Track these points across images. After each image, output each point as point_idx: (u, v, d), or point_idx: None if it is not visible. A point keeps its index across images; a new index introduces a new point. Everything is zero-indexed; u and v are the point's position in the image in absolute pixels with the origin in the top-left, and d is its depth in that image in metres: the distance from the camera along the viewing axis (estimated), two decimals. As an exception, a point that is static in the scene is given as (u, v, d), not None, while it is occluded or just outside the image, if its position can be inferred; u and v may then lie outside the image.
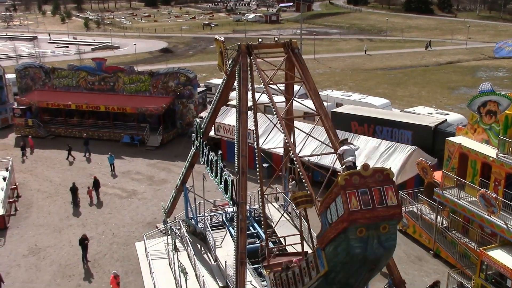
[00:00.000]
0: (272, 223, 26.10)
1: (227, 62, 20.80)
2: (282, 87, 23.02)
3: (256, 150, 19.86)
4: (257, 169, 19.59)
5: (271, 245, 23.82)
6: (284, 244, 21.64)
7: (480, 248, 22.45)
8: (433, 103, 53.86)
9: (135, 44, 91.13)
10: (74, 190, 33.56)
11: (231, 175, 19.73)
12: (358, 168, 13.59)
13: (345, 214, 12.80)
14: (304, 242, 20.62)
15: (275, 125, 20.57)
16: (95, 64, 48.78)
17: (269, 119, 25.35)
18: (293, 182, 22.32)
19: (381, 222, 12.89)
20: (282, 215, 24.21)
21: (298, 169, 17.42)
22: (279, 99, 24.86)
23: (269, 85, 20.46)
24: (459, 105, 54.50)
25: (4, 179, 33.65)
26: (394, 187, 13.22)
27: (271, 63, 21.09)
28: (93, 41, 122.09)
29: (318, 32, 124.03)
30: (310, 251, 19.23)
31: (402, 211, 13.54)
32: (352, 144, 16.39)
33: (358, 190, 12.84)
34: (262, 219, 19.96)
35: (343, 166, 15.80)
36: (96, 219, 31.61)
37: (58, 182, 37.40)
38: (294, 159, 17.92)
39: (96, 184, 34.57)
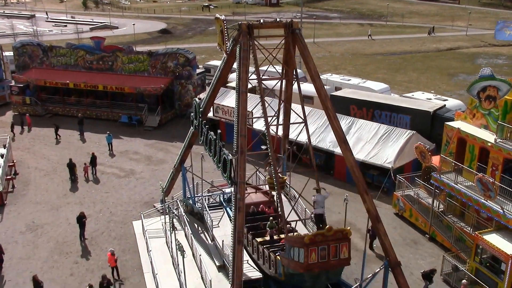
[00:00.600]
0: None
1: (228, 41, 20.66)
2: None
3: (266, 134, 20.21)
4: (268, 149, 20.33)
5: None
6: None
7: (476, 232, 22.61)
8: (432, 89, 53.75)
9: (133, 24, 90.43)
10: (71, 166, 33.89)
11: (230, 154, 19.73)
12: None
13: (304, 264, 16.65)
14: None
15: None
16: (94, 43, 48.45)
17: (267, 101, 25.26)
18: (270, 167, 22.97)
19: (331, 269, 17.18)
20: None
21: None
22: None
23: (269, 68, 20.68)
24: (458, 91, 54.51)
25: (2, 156, 33.60)
26: (349, 243, 17.06)
27: (266, 49, 20.97)
28: (91, 20, 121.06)
29: (318, 16, 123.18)
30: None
31: (350, 260, 17.30)
32: (325, 191, 20.76)
33: (319, 247, 16.52)
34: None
35: (312, 214, 20.29)
36: (94, 197, 31.67)
37: (55, 160, 37.37)
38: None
39: (93, 161, 34.81)
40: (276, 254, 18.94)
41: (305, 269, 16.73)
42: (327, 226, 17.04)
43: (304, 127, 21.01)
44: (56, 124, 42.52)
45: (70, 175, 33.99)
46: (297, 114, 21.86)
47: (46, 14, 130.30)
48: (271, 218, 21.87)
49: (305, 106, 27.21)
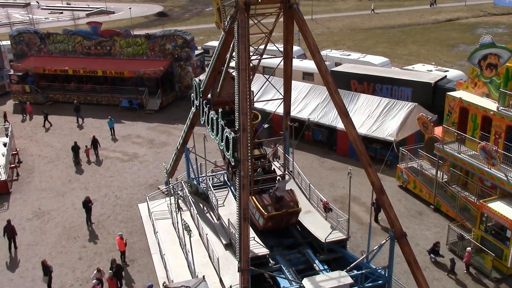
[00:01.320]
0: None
1: (225, 19, 20.48)
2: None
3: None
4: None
5: None
6: None
7: (480, 201, 22.68)
8: (432, 60, 53.48)
9: (130, 8, 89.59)
10: (75, 149, 34.52)
11: (232, 132, 19.71)
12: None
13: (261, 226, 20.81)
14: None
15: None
16: (91, 28, 48.10)
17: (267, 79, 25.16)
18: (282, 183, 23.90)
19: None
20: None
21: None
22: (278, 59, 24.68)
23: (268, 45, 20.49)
24: (459, 62, 54.15)
25: (5, 144, 33.68)
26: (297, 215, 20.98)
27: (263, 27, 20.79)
28: (87, 6, 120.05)
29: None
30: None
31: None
32: (287, 176, 22.76)
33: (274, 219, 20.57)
34: None
35: (273, 195, 21.13)
36: (99, 182, 31.80)
37: (59, 147, 37.44)
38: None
39: (95, 143, 35.26)
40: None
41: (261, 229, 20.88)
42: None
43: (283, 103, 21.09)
44: (44, 111, 42.39)
45: (74, 158, 34.58)
46: (276, 89, 21.85)
47: (37, 2, 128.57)
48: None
49: (306, 83, 27.20)
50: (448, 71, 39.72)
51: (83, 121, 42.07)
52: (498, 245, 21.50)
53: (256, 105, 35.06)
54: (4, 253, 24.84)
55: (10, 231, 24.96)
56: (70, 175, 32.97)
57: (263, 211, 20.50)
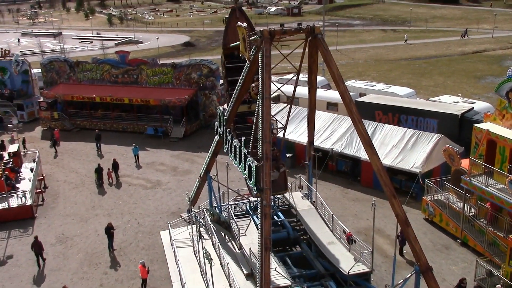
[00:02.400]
0: (296, 211, 26.01)
1: (250, 48, 20.67)
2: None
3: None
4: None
5: (295, 233, 23.88)
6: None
7: (510, 236, 22.01)
8: (459, 92, 52.95)
9: (157, 38, 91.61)
10: (99, 170, 35.54)
11: (255, 161, 19.66)
12: None
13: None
14: None
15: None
16: (119, 57, 49.17)
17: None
18: (274, 173, 22.96)
19: None
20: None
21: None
22: (303, 89, 24.72)
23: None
24: (486, 94, 53.52)
25: (32, 170, 34.22)
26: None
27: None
28: (116, 36, 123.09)
29: (341, 23, 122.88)
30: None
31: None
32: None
33: None
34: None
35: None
36: (122, 209, 31.95)
37: (83, 173, 37.88)
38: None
39: (115, 166, 36.41)
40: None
41: None
42: None
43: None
44: (52, 135, 43.39)
45: (97, 179, 35.54)
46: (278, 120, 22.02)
47: (98, 33, 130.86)
48: None
49: (330, 113, 27.12)
50: (475, 102, 39.25)
51: (101, 151, 42.13)
52: (529, 282, 20.76)
53: (280, 134, 35.18)
54: (31, 269, 25.07)
55: (38, 247, 25.93)
56: (93, 201, 33.23)
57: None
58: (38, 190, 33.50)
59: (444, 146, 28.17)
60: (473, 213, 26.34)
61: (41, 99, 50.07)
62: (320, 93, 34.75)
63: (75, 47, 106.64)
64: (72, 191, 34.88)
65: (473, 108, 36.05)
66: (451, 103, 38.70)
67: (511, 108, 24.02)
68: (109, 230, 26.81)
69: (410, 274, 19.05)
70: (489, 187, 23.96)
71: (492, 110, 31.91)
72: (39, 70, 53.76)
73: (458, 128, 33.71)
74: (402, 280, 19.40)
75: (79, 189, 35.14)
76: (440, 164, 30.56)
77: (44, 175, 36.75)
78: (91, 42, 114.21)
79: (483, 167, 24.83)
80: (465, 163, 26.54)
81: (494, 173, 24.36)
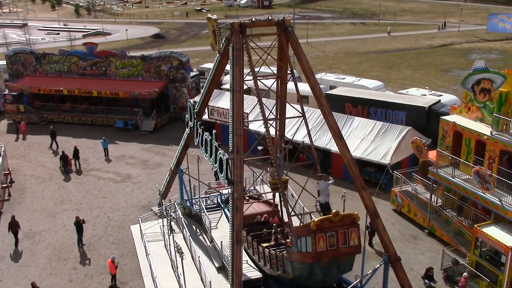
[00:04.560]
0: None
1: (220, 41, 20.58)
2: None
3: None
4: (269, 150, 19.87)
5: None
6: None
7: (475, 225, 22.57)
8: (426, 85, 53.82)
9: (126, 30, 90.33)
10: (64, 158, 36.35)
11: (225, 154, 19.64)
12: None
13: (312, 253, 15.95)
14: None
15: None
16: (87, 49, 48.31)
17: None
18: (271, 169, 22.43)
19: (341, 257, 16.42)
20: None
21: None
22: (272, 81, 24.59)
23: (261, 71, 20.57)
24: (453, 86, 54.58)
25: (-3, 164, 33.46)
26: (358, 229, 16.35)
27: (261, 48, 20.87)
28: (84, 27, 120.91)
29: (311, 16, 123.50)
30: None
31: (361, 247, 16.83)
32: (329, 178, 19.73)
33: (327, 234, 15.85)
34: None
35: (317, 202, 19.30)
36: (91, 203, 31.52)
37: (51, 167, 37.21)
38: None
39: (76, 154, 36.93)
40: (283, 252, 18.64)
41: (314, 258, 15.98)
42: (334, 211, 16.25)
43: (304, 122, 20.72)
44: (52, 128, 42.39)
45: (63, 166, 36.22)
46: (296, 109, 21.79)
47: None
48: (274, 225, 21.79)
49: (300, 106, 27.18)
50: (442, 95, 39.95)
51: (58, 148, 40.87)
52: (493, 270, 21.31)
53: (250, 126, 35.20)
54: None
55: (14, 226, 26.74)
56: (62, 195, 32.68)
57: (307, 224, 16.87)
58: (4, 185, 32.75)
59: (412, 138, 28.65)
60: (440, 203, 26.90)
61: (6, 91, 48.84)
62: (291, 85, 34.86)
63: (41, 39, 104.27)
64: (40, 186, 34.22)
65: (440, 100, 36.70)
66: (419, 96, 39.31)
67: (476, 101, 24.53)
68: (79, 223, 26.41)
69: (379, 265, 19.37)
70: (455, 178, 24.48)
71: (458, 103, 32.57)
72: (4, 62, 52.39)
73: (426, 120, 34.29)
74: (371, 271, 19.71)
75: (47, 184, 34.49)
76: (408, 155, 31.07)
77: (10, 169, 35.91)
78: (58, 34, 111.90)
79: (449, 159, 25.35)
80: (432, 154, 27.04)
81: (460, 164, 24.89)
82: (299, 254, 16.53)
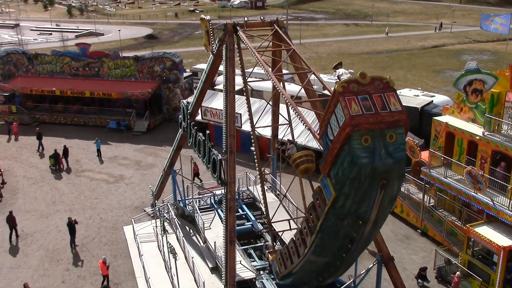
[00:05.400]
0: (260, 204, 26.12)
1: (213, 41, 20.60)
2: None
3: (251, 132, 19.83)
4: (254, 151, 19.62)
5: (260, 226, 23.95)
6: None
7: (467, 225, 22.70)
8: (419, 86, 54.08)
9: (119, 30, 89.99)
10: (56, 156, 36.46)
11: (219, 155, 19.65)
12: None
13: (346, 119, 11.86)
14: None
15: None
16: (79, 49, 48.13)
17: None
18: (292, 144, 21.03)
19: (386, 130, 12.00)
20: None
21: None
22: (267, 83, 24.65)
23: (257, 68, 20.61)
24: (445, 87, 54.82)
25: (-11, 165, 33.27)
26: (396, 94, 12.43)
27: (253, 50, 20.91)
28: (76, 28, 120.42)
29: (304, 17, 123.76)
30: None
31: (407, 117, 12.41)
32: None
33: (358, 96, 12.10)
34: (263, 208, 20.16)
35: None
36: (84, 204, 31.40)
37: (44, 168, 37.03)
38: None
39: (66, 152, 37.18)
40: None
41: (350, 125, 11.72)
42: (360, 72, 12.67)
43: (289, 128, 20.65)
44: (39, 129, 42.05)
45: (54, 164, 36.41)
46: (282, 116, 21.81)
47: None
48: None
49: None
50: (434, 96, 40.13)
51: (43, 150, 40.48)
52: (485, 270, 21.44)
53: (244, 127, 35.25)
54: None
55: (12, 222, 27.11)
56: (54, 196, 32.53)
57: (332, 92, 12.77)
58: (-4, 186, 32.63)
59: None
60: (433, 203, 27.03)
61: (-2, 92, 48.57)
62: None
63: (33, 39, 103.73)
64: (32, 187, 34.06)
65: (432, 101, 36.86)
66: (411, 97, 39.42)
67: (468, 102, 24.67)
68: (71, 224, 26.31)
69: (372, 264, 19.44)
70: (448, 178, 24.60)
71: (450, 103, 32.73)
72: (-4, 62, 52.05)
73: (418, 121, 34.43)
74: (364, 270, 19.78)
75: (39, 185, 34.33)
76: (401, 156, 31.12)
77: (2, 170, 35.68)
78: (50, 34, 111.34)
79: (442, 159, 25.47)
80: (424, 155, 27.16)
81: (452, 164, 25.02)
82: (334, 144, 12.50)
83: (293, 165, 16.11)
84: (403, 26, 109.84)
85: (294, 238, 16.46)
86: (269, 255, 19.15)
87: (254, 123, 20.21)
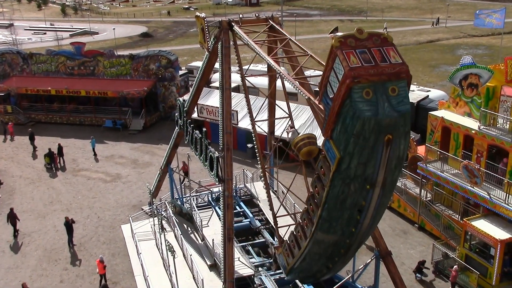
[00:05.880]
0: (258, 201, 26.18)
1: (209, 38, 20.58)
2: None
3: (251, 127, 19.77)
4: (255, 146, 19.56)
5: (257, 223, 24.00)
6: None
7: (464, 219, 22.79)
8: (414, 80, 54.04)
9: (114, 29, 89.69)
10: (50, 154, 36.56)
11: (216, 152, 19.65)
12: None
13: (345, 71, 11.41)
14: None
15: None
16: (74, 49, 48.00)
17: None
18: (293, 129, 20.58)
19: (388, 83, 11.56)
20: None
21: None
22: (263, 79, 24.70)
23: (253, 65, 20.61)
24: (441, 82, 54.93)
25: (-15, 166, 33.19)
26: (395, 48, 12.09)
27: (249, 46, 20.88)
28: (71, 27, 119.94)
29: (299, 13, 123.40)
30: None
31: (408, 70, 12.00)
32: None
33: (356, 49, 11.76)
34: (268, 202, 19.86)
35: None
36: (81, 203, 31.36)
37: (40, 168, 36.96)
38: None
39: (60, 151, 37.33)
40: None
41: (351, 76, 11.28)
42: (357, 27, 12.42)
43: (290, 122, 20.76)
44: (31, 130, 41.88)
45: (49, 163, 36.51)
46: (282, 109, 21.82)
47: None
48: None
49: (289, 103, 27.32)
50: (430, 91, 40.20)
51: (36, 149, 40.31)
52: (482, 263, 21.56)
53: (240, 124, 35.26)
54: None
55: (13, 218, 27.53)
56: (51, 196, 32.48)
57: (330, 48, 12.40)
58: (-8, 187, 32.56)
59: (401, 134, 28.78)
60: (430, 198, 27.12)
61: (-7, 92, 48.36)
62: (279, 83, 34.96)
63: (28, 39, 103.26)
64: (29, 187, 33.99)
65: (428, 96, 36.93)
66: (407, 92, 39.48)
67: (464, 96, 24.75)
68: (68, 224, 26.27)
69: (370, 260, 19.50)
70: (444, 173, 24.69)
71: (446, 98, 32.81)
72: (-10, 63, 51.83)
73: (414, 116, 34.49)
74: (362, 265, 19.85)
75: (36, 185, 34.26)
76: (397, 151, 31.18)
77: (-2, 171, 35.70)
78: (45, 33, 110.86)
79: (438, 153, 25.56)
80: (421, 149, 27.24)
81: (448, 159, 25.10)
82: (334, 101, 11.90)
83: (295, 150, 15.76)
84: (398, 22, 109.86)
85: (300, 220, 15.76)
86: (276, 250, 18.98)
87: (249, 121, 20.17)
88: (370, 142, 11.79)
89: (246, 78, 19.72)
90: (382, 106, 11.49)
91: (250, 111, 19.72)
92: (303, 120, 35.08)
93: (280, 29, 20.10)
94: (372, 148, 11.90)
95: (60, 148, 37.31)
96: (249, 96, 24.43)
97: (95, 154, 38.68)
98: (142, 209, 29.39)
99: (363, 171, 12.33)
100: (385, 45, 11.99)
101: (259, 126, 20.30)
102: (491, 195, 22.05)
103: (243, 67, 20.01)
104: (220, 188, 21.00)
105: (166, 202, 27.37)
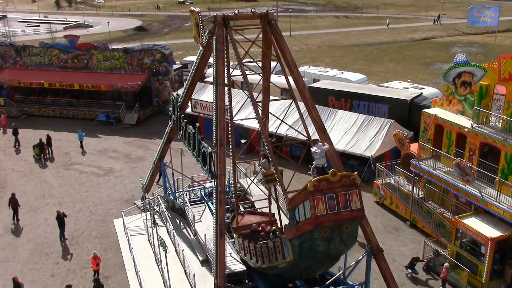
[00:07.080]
0: (251, 197, 26.13)
1: (203, 33, 20.48)
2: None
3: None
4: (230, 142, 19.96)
5: (241, 208, 23.88)
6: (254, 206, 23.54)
7: (455, 217, 22.90)
8: (408, 78, 54.26)
9: (108, 22, 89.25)
10: (41, 145, 36.94)
11: (209, 147, 19.60)
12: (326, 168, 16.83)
13: (312, 218, 14.17)
14: (272, 205, 22.37)
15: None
16: (68, 41, 47.74)
17: (246, 94, 25.11)
18: (264, 160, 21.73)
19: (344, 223, 14.46)
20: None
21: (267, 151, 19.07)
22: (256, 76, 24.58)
23: (245, 62, 20.46)
24: (434, 80, 55.05)
25: (-23, 158, 33.02)
26: (359, 191, 14.55)
27: (247, 39, 20.79)
28: (65, 20, 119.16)
29: (294, 9, 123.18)
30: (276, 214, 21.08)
31: (364, 212, 14.89)
32: (322, 144, 18.05)
33: (326, 195, 14.14)
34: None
35: (313, 166, 17.42)
36: (73, 197, 31.26)
37: (32, 161, 36.78)
38: (264, 142, 19.04)
39: (49, 141, 37.60)
40: (279, 237, 17.02)
41: (314, 224, 14.12)
42: (331, 170, 14.57)
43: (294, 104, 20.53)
44: (14, 124, 41.48)
45: (39, 154, 36.84)
46: (261, 108, 21.79)
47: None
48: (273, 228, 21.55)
49: (283, 99, 27.29)
50: (424, 88, 40.27)
51: (20, 146, 39.86)
52: (473, 261, 21.68)
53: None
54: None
55: (14, 203, 28.19)
56: (43, 190, 32.35)
57: (304, 187, 14.78)
58: (-16, 180, 32.39)
59: (394, 131, 28.90)
60: (422, 195, 27.22)
61: (-15, 84, 48.06)
62: (274, 78, 34.86)
63: (21, 31, 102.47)
64: (21, 180, 33.82)
65: (422, 93, 36.99)
66: (401, 89, 39.56)
67: (457, 94, 24.83)
68: (60, 218, 26.18)
69: (361, 256, 19.54)
70: (437, 170, 24.78)
71: (440, 96, 32.89)
72: (-17, 55, 51.46)
73: (408, 113, 34.56)
74: (354, 262, 19.88)
75: (28, 178, 34.11)
76: (390, 148, 31.32)
77: (-10, 163, 35.51)
78: (38, 26, 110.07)
79: (431, 151, 25.65)
80: (414, 147, 27.32)
81: (441, 156, 25.20)
82: (297, 227, 14.97)
83: (264, 179, 19.23)
84: (393, 18, 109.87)
85: (261, 247, 18.22)
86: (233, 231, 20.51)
87: (243, 116, 20.14)
88: (318, 260, 15.86)
89: (239, 76, 19.63)
90: (334, 241, 14.79)
91: (230, 108, 19.66)
92: (297, 116, 34.97)
93: (275, 28, 19.93)
94: (319, 262, 16.21)
95: (49, 139, 37.39)
96: (244, 91, 24.43)
97: (82, 147, 38.52)
98: (135, 204, 29.32)
99: (308, 267, 16.77)
100: (351, 189, 14.47)
101: (262, 123, 20.24)
102: (482, 193, 22.15)
103: (235, 63, 19.93)
104: (213, 183, 20.96)
105: (158, 197, 27.30)
